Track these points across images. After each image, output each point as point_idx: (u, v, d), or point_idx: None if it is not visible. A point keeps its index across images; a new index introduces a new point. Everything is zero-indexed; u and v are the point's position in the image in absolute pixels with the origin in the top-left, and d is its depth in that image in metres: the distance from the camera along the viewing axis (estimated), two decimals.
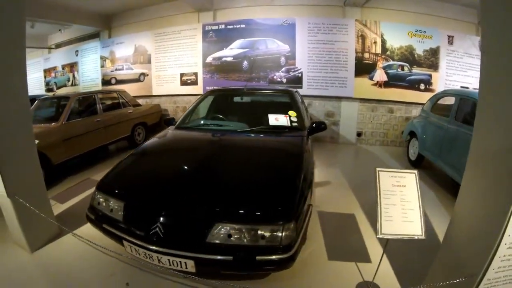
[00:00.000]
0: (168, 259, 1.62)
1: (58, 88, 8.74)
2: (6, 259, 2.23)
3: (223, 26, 6.42)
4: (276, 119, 3.00)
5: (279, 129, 2.94)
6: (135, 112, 5.79)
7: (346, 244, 2.47)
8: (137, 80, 7.27)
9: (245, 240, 1.61)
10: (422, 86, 6.26)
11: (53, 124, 4.12)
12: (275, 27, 6.11)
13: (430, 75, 6.44)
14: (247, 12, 6.45)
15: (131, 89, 7.14)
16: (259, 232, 1.60)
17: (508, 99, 1.26)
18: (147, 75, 7.16)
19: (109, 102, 5.52)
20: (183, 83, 6.77)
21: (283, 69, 6.11)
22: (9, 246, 2.39)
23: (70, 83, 8.48)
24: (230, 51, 6.31)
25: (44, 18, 6.98)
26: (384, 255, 2.02)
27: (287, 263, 1.61)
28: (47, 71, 9.11)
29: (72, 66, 8.40)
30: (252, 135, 2.89)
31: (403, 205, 1.75)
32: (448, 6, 6.60)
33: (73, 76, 8.40)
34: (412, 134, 5.05)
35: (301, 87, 6.05)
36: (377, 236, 1.70)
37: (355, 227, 2.74)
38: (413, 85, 6.27)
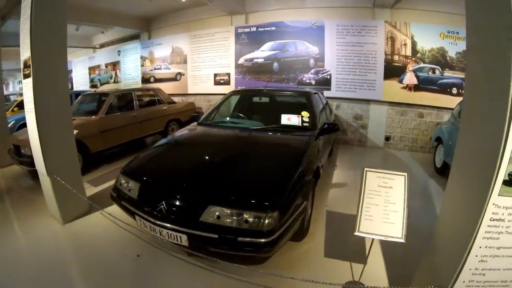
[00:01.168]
0: (167, 233, 1.97)
1: (101, 84, 9.76)
2: (42, 228, 2.83)
3: (254, 29, 6.90)
4: (288, 119, 3.29)
5: (290, 128, 3.20)
6: (169, 109, 6.46)
7: (346, 244, 2.55)
8: (174, 79, 8.00)
9: (231, 222, 1.89)
10: (454, 90, 6.27)
11: (93, 117, 4.83)
12: (304, 29, 6.48)
13: (463, 79, 6.48)
14: (278, 14, 6.86)
15: (168, 88, 7.90)
16: (244, 216, 1.87)
17: (490, 103, 1.33)
18: (183, 74, 7.85)
19: (145, 99, 6.21)
20: (217, 83, 7.37)
21: (312, 71, 6.47)
22: (46, 218, 3.01)
23: (112, 80, 9.45)
24: (261, 53, 6.78)
25: (88, 21, 7.90)
26: (382, 257, 2.27)
27: (264, 247, 1.84)
28: (91, 69, 10.18)
29: (115, 65, 9.35)
30: (263, 133, 3.21)
31: (386, 206, 1.83)
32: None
33: (115, 74, 9.35)
34: (439, 140, 5.05)
35: (329, 89, 6.39)
36: (354, 234, 1.82)
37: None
38: (444, 89, 6.32)
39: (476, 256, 1.49)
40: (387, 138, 6.48)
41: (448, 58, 6.40)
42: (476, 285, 1.53)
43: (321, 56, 6.40)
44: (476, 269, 1.51)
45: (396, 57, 6.30)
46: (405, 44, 6.32)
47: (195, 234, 1.92)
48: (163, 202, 2.04)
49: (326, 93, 6.34)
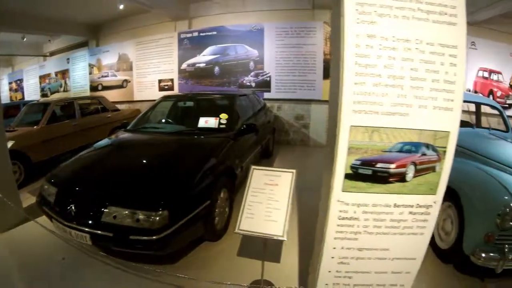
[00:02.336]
0: (76, 233, 2.15)
1: (52, 93, 9.72)
2: None
3: (196, 34, 7.07)
4: (206, 122, 3.46)
5: (207, 131, 3.35)
6: (113, 116, 6.55)
7: (261, 243, 2.73)
8: (120, 86, 8.08)
9: (125, 221, 2.07)
10: None
11: (34, 127, 4.91)
12: (244, 33, 6.68)
13: None
14: (221, 19, 7.05)
15: (115, 95, 7.98)
16: (136, 216, 2.05)
17: (332, 101, 1.45)
18: (129, 81, 7.94)
19: (88, 107, 6.30)
20: (161, 88, 7.49)
21: (252, 73, 6.68)
22: None
23: (62, 89, 9.44)
24: (203, 58, 6.95)
25: (34, 30, 7.90)
26: (297, 256, 2.40)
27: (155, 245, 2.02)
28: (42, 78, 10.13)
29: (64, 73, 9.35)
30: (179, 136, 3.34)
31: (269, 204, 1.85)
32: None
33: (65, 82, 9.35)
34: None
35: (269, 91, 6.61)
36: (234, 232, 1.86)
37: None
38: None
39: (333, 257, 1.51)
40: None
41: None
42: None
43: (261, 58, 6.62)
44: (337, 271, 1.53)
45: None
46: None
47: (95, 233, 2.10)
48: (72, 205, 2.23)
49: (267, 95, 6.57)
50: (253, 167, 2.02)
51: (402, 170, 1.42)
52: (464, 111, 4.49)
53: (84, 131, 5.77)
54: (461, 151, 2.89)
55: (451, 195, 2.44)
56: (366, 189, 1.41)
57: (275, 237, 1.77)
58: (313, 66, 6.50)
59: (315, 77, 6.50)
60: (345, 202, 1.42)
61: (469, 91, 7.23)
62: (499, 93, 7.49)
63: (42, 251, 2.70)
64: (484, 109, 4.33)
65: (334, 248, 1.49)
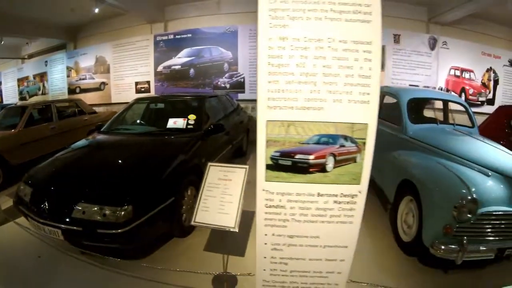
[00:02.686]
0: (48, 229, 2.28)
1: (30, 96, 9.71)
2: None
3: (172, 36, 7.16)
4: (174, 122, 3.58)
5: (175, 131, 3.46)
6: (90, 119, 6.61)
7: (228, 238, 2.51)
8: (98, 89, 8.13)
9: (94, 216, 2.21)
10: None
11: (12, 130, 4.99)
12: (219, 35, 6.80)
13: None
14: (196, 21, 7.15)
15: (93, 98, 8.03)
16: (104, 211, 2.20)
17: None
18: (107, 84, 8.00)
19: (66, 110, 6.35)
20: (138, 91, 7.56)
21: (226, 75, 6.81)
22: None
23: (40, 92, 9.44)
24: (178, 60, 7.05)
25: (11, 33, 7.90)
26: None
27: (121, 238, 2.18)
28: (20, 81, 10.11)
29: (42, 76, 9.34)
30: (148, 137, 3.49)
31: (223, 197, 1.97)
32: (395, 5, 7.09)
33: (43, 85, 9.35)
34: None
35: (243, 92, 6.75)
36: (190, 224, 2.00)
37: (247, 223, 2.69)
38: None
39: (266, 244, 1.59)
40: None
41: None
42: (282, 274, 1.65)
43: (235, 60, 6.75)
44: (273, 257, 1.61)
45: None
46: None
47: (66, 228, 2.24)
48: (46, 203, 2.37)
49: (241, 96, 6.70)
50: (209, 163, 2.11)
51: (321, 161, 1.49)
52: (431, 108, 4.75)
53: (62, 133, 5.82)
54: (423, 146, 3.03)
55: (412, 189, 2.55)
56: (288, 179, 1.50)
57: (227, 229, 1.87)
58: None
59: None
60: (270, 191, 1.51)
61: (441, 89, 7.45)
62: (471, 91, 7.73)
63: (19, 250, 2.81)
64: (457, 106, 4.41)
65: (266, 234, 1.57)
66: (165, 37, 7.24)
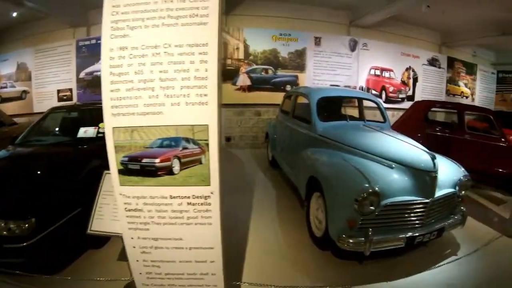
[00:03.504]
0: None
1: None
2: None
3: (94, 41, 7.11)
4: (85, 132, 3.59)
5: (86, 141, 3.49)
6: (10, 131, 6.40)
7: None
8: (19, 98, 7.84)
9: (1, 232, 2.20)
10: (288, 87, 7.13)
11: None
12: None
13: (296, 76, 7.36)
14: None
15: (14, 107, 7.75)
16: (8, 225, 2.18)
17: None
18: (29, 92, 7.76)
19: None
20: (60, 99, 7.39)
21: None
22: None
23: None
24: (100, 66, 7.00)
25: None
26: None
27: (24, 251, 2.17)
28: None
29: None
30: (60, 148, 3.47)
31: (116, 204, 1.92)
32: (317, 9, 7.53)
33: None
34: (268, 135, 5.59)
35: None
36: (86, 233, 2.01)
37: None
38: (278, 87, 7.15)
39: (134, 247, 1.62)
40: (228, 139, 7.12)
41: (280, 59, 7.26)
42: (158, 277, 1.67)
43: None
44: (144, 260, 1.64)
45: (229, 61, 6.96)
46: (237, 48, 7.03)
47: None
48: None
49: None
50: (105, 171, 2.11)
51: (167, 163, 1.56)
52: (352, 106, 5.08)
53: None
54: (331, 143, 3.12)
55: (319, 186, 2.62)
56: (140, 183, 1.57)
57: (120, 235, 1.84)
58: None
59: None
60: (126, 195, 1.56)
61: (362, 88, 7.99)
62: (391, 89, 8.35)
63: None
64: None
65: (132, 238, 1.61)
66: (87, 42, 7.17)
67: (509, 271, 2.56)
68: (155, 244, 1.61)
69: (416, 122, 5.38)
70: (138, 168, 1.59)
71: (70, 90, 7.34)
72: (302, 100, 4.17)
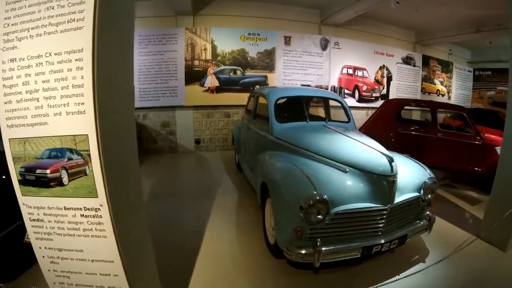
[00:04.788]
0: None
1: None
2: None
3: None
4: None
5: None
6: None
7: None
8: None
9: None
10: (257, 88, 7.12)
11: None
12: None
13: (266, 76, 7.35)
14: None
15: None
16: None
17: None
18: None
19: None
20: None
21: None
22: None
23: None
24: None
25: None
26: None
27: None
28: None
29: None
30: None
31: None
32: (287, 8, 7.54)
33: None
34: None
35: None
36: (23, 241, 1.96)
37: None
38: (247, 87, 7.11)
39: (44, 257, 1.63)
40: (197, 141, 7.04)
41: (249, 59, 7.22)
42: (70, 287, 1.67)
43: None
44: (55, 270, 1.65)
45: (196, 62, 6.91)
46: (205, 49, 6.98)
47: None
48: None
49: None
50: None
51: (56, 174, 1.56)
52: (319, 106, 5.03)
53: None
54: (286, 146, 3.01)
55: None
56: (38, 193, 1.58)
57: None
58: (175, 72, 6.77)
59: (177, 83, 6.76)
60: (28, 205, 1.58)
61: (334, 87, 8.03)
62: (364, 88, 8.40)
63: None
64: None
65: (40, 247, 1.62)
66: None
67: (484, 277, 2.39)
68: (61, 255, 1.63)
69: (387, 121, 5.36)
70: (33, 179, 1.60)
71: None
72: (263, 100, 4.10)
